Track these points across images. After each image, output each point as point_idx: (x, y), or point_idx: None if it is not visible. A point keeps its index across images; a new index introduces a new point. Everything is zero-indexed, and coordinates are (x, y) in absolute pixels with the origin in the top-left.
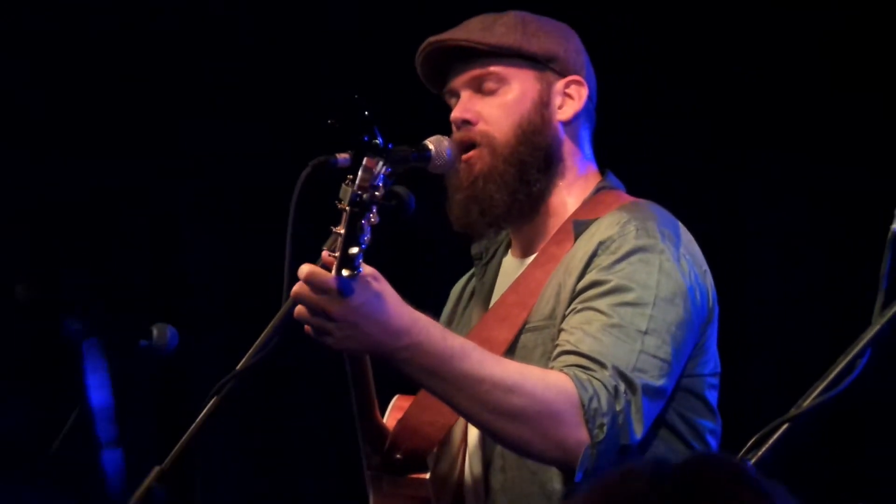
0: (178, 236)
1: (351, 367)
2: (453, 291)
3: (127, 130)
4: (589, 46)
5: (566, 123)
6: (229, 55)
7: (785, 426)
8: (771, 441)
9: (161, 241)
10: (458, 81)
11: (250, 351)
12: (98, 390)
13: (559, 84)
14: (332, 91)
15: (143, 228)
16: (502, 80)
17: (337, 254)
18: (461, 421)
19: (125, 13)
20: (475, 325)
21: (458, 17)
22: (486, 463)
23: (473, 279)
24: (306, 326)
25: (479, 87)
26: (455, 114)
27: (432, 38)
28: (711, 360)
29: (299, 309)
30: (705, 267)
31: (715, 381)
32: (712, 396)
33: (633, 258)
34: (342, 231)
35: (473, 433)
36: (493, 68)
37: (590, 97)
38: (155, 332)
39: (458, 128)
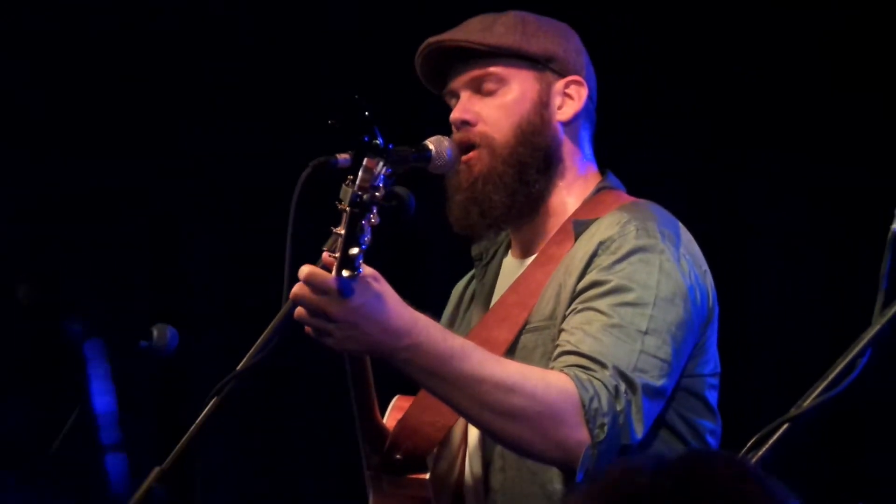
0: (178, 236)
1: (351, 368)
2: (454, 293)
3: (127, 130)
4: (589, 46)
5: (566, 124)
6: (229, 55)
7: (785, 426)
8: (771, 441)
9: (161, 241)
10: (458, 82)
11: (250, 351)
12: (101, 395)
13: (559, 84)
14: (332, 91)
15: (143, 228)
16: (502, 81)
17: (337, 254)
18: (461, 421)
19: (125, 13)
20: (475, 326)
21: (458, 17)
22: (486, 463)
23: (474, 280)
24: (306, 327)
25: (478, 88)
26: (454, 115)
27: (432, 39)
28: (711, 361)
29: (299, 310)
30: (705, 267)
31: (715, 381)
32: (712, 397)
33: (634, 258)
34: (342, 232)
35: (473, 433)
36: (492, 69)
37: (590, 97)
38: (155, 332)
39: (458, 129)
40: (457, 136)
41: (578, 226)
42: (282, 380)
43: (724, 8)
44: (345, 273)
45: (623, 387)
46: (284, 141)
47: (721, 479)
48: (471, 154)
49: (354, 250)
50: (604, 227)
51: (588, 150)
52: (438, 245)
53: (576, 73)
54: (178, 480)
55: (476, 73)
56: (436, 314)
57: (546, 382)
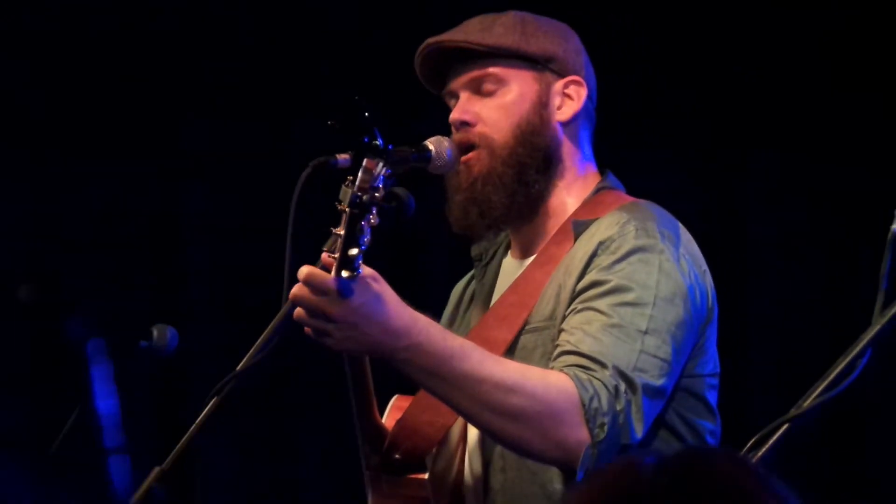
0: (178, 236)
1: (350, 368)
2: (453, 293)
3: (127, 130)
4: (589, 46)
5: (565, 124)
6: (229, 55)
7: (785, 426)
8: (771, 441)
9: (161, 241)
10: (457, 83)
11: (250, 351)
12: (104, 396)
13: (558, 84)
14: (332, 91)
15: (143, 228)
16: (501, 82)
17: (336, 255)
18: (459, 421)
19: (125, 13)
20: (475, 326)
21: (458, 17)
22: (486, 463)
23: (473, 281)
24: (305, 328)
25: (477, 89)
26: (454, 115)
27: (431, 40)
28: (711, 361)
29: (298, 310)
30: (705, 267)
31: (714, 381)
32: (712, 397)
33: (633, 258)
34: (342, 232)
35: (473, 433)
36: (491, 69)
37: (589, 97)
38: (155, 332)
39: (457, 129)
40: (456, 136)
41: (578, 226)
42: (282, 380)
43: (724, 8)
44: (344, 273)
45: (623, 386)
46: (284, 141)
47: (720, 475)
48: (470, 154)
49: (354, 251)
50: (603, 228)
51: (588, 150)
52: (438, 245)
53: (575, 73)
54: (178, 480)
55: (475, 73)
56: (435, 314)
57: (546, 382)
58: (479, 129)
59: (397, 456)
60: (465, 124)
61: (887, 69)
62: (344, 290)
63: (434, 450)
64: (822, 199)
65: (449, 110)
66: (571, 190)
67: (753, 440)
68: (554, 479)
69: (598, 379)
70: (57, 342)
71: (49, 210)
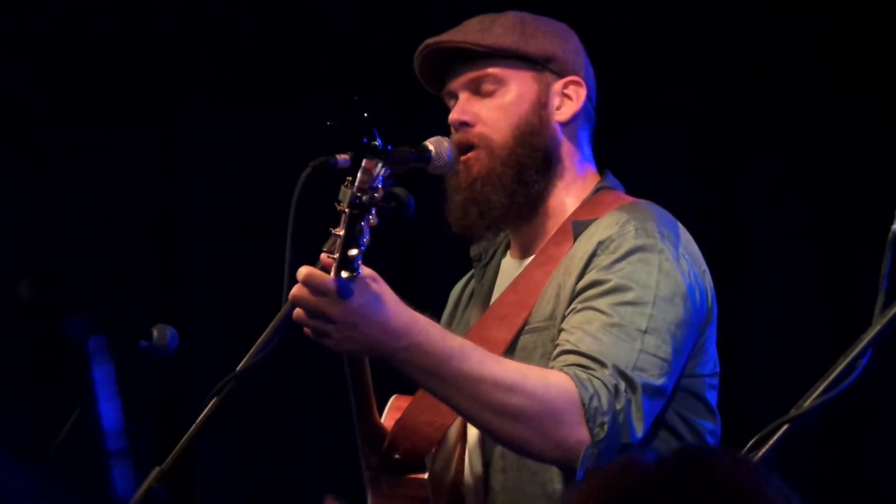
0: (178, 236)
1: (349, 368)
2: (452, 293)
3: (127, 130)
4: (589, 46)
5: (564, 124)
6: (229, 55)
7: (785, 427)
8: (771, 441)
9: (161, 240)
10: (457, 83)
11: (250, 351)
12: (105, 395)
13: (557, 85)
14: (332, 91)
15: (143, 228)
16: (500, 82)
17: (336, 255)
18: (458, 420)
19: (125, 13)
20: (474, 325)
21: (458, 17)
22: (486, 463)
23: (472, 281)
24: (305, 328)
25: (477, 89)
26: (453, 115)
27: (430, 40)
28: (711, 361)
29: (298, 311)
30: (704, 267)
31: (714, 381)
32: (712, 397)
33: (633, 258)
34: (341, 233)
35: (473, 433)
36: (490, 70)
37: (588, 97)
38: (155, 332)
39: (456, 129)
40: (455, 136)
41: (577, 226)
42: (282, 380)
43: (724, 8)
44: (343, 274)
45: (623, 386)
46: (284, 141)
47: (720, 475)
48: (469, 155)
49: (353, 251)
50: (603, 228)
51: (587, 150)
52: (437, 246)
53: (574, 73)
54: (178, 480)
55: (474, 73)
56: (435, 314)
57: (546, 382)
58: (478, 129)
59: (397, 456)
60: (464, 124)
61: (887, 69)
62: (343, 290)
63: (433, 450)
64: (822, 199)
65: (448, 110)
66: (571, 190)
67: (753, 440)
68: (554, 480)
69: (597, 378)
70: (57, 340)
71: (49, 210)
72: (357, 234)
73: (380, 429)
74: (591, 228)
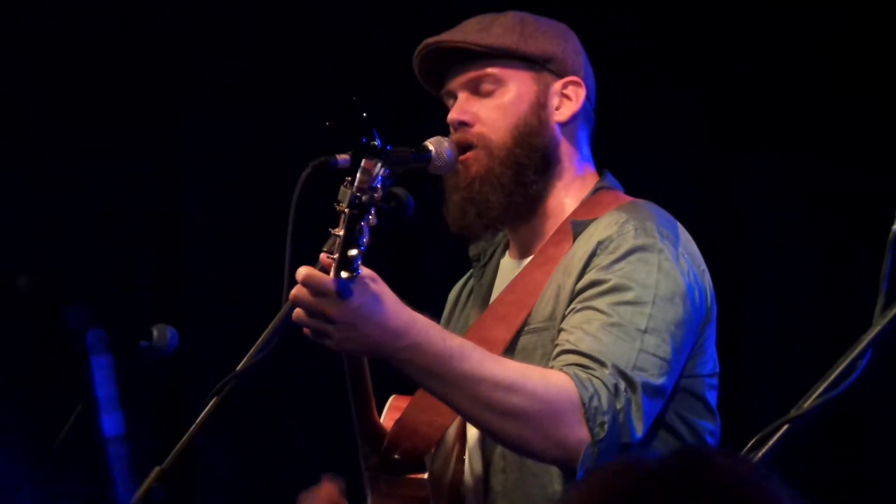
0: (178, 236)
1: (349, 368)
2: (451, 294)
3: (127, 130)
4: (589, 46)
5: (563, 124)
6: (229, 55)
7: (785, 427)
8: (771, 442)
9: (161, 240)
10: (456, 83)
11: (250, 351)
12: (105, 388)
13: (556, 85)
14: (332, 91)
15: (143, 228)
16: (499, 82)
17: (335, 256)
18: (457, 420)
19: (125, 13)
20: (473, 325)
21: (458, 17)
22: (487, 464)
23: (471, 281)
24: (305, 328)
25: (476, 89)
26: (452, 115)
27: (429, 40)
28: (710, 361)
29: (297, 311)
30: (704, 267)
31: (714, 381)
32: (712, 397)
33: (632, 257)
34: (341, 233)
35: (473, 433)
36: (489, 70)
37: (588, 98)
38: (155, 332)
39: (455, 129)
40: (454, 136)
41: (577, 226)
42: (282, 380)
43: (724, 8)
44: (343, 274)
45: (623, 385)
46: (284, 141)
47: (720, 475)
48: (468, 154)
49: (353, 251)
50: (602, 227)
51: (586, 150)
52: (437, 246)
53: (574, 73)
54: (178, 480)
55: (473, 73)
56: (434, 314)
57: (546, 381)
58: (476, 129)
59: (396, 456)
60: (463, 124)
61: (887, 69)
62: (343, 290)
63: (433, 450)
64: (822, 199)
65: (448, 110)
66: (570, 190)
67: (753, 441)
68: (555, 481)
69: (597, 378)
70: (56, 335)
71: (49, 210)
72: (357, 234)
73: (379, 429)
74: (591, 228)
